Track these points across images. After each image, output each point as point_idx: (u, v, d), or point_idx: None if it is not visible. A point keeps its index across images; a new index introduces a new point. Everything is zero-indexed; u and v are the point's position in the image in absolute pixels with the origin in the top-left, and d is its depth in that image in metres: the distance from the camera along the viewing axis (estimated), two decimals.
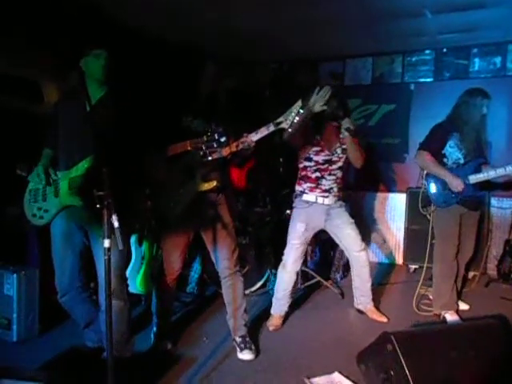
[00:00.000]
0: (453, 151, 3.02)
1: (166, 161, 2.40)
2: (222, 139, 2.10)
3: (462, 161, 3.03)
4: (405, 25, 3.97)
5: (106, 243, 1.62)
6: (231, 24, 3.92)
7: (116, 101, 2.32)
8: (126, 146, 2.25)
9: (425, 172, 3.11)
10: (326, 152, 3.03)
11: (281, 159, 4.01)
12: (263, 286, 3.67)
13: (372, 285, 3.23)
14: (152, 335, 2.73)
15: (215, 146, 2.12)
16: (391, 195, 4.85)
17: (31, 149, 2.56)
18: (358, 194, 4.87)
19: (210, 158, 2.21)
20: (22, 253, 3.05)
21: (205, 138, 2.13)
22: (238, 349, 2.61)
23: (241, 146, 2.32)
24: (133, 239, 3.33)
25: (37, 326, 2.79)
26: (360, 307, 3.25)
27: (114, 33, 3.43)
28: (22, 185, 2.55)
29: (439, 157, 3.03)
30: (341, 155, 3.06)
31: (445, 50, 4.56)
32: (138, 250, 3.34)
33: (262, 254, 3.70)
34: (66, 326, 2.84)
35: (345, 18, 3.80)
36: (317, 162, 3.03)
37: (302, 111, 2.31)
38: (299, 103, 2.29)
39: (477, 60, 4.46)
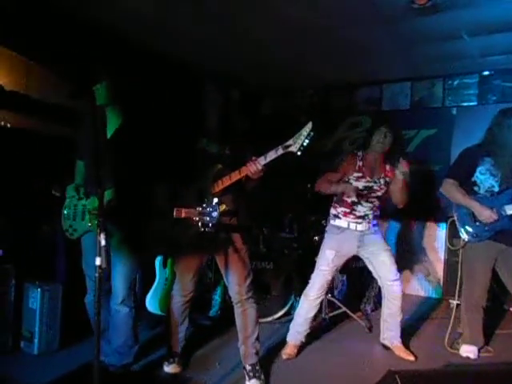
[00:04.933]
0: (484, 178, 2.80)
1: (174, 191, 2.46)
2: (214, 214, 2.15)
3: (496, 189, 2.78)
4: (443, 48, 3.86)
5: (98, 261, 1.66)
6: (266, 54, 4.02)
7: (134, 130, 2.45)
8: (147, 175, 2.37)
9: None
10: (368, 178, 2.96)
11: (309, 185, 3.95)
12: (287, 313, 3.58)
13: (406, 319, 3.07)
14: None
15: (207, 219, 2.17)
16: (432, 225, 4.61)
17: (66, 171, 2.75)
18: (398, 222, 4.71)
19: (202, 230, 2.23)
20: (51, 269, 3.22)
21: (199, 209, 2.19)
22: (247, 377, 2.55)
23: (249, 171, 2.31)
24: (158, 261, 3.41)
25: (57, 341, 2.90)
26: (385, 342, 3.08)
27: (133, 58, 3.57)
28: (55, 204, 2.74)
29: (469, 185, 2.83)
30: (383, 186, 2.99)
31: (490, 72, 4.35)
32: (162, 272, 3.40)
33: (287, 280, 3.63)
34: (86, 342, 2.93)
35: (380, 43, 3.78)
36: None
37: (312, 134, 2.26)
38: (309, 126, 2.24)
39: None
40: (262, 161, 2.31)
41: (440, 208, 4.56)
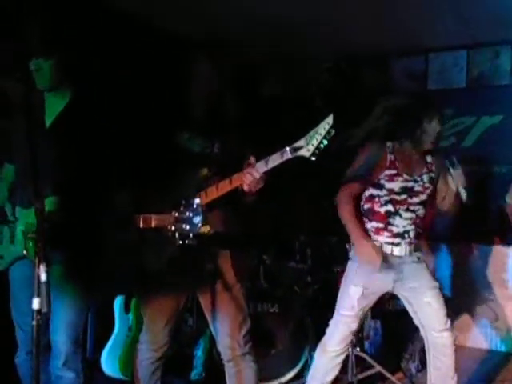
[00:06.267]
0: None
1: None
2: (196, 220, 2.12)
3: None
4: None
5: (36, 303, 1.68)
6: (269, 10, 4.06)
7: (84, 114, 2.45)
8: (101, 177, 2.39)
9: None
10: (405, 177, 2.98)
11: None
12: (299, 375, 3.61)
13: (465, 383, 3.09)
14: None
15: (187, 228, 2.13)
16: (500, 249, 4.66)
17: None
18: (453, 246, 4.76)
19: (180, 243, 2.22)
20: None
21: (175, 215, 2.16)
22: None
23: (243, 182, 2.30)
24: (117, 303, 3.43)
25: None
26: None
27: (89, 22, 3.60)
28: None
29: None
30: (427, 185, 3.02)
31: None
32: (123, 318, 3.43)
33: (298, 329, 3.67)
34: None
35: None
36: (390, 191, 2.98)
37: (332, 131, 2.25)
38: (329, 120, 2.20)
39: None
40: (262, 167, 2.28)
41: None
